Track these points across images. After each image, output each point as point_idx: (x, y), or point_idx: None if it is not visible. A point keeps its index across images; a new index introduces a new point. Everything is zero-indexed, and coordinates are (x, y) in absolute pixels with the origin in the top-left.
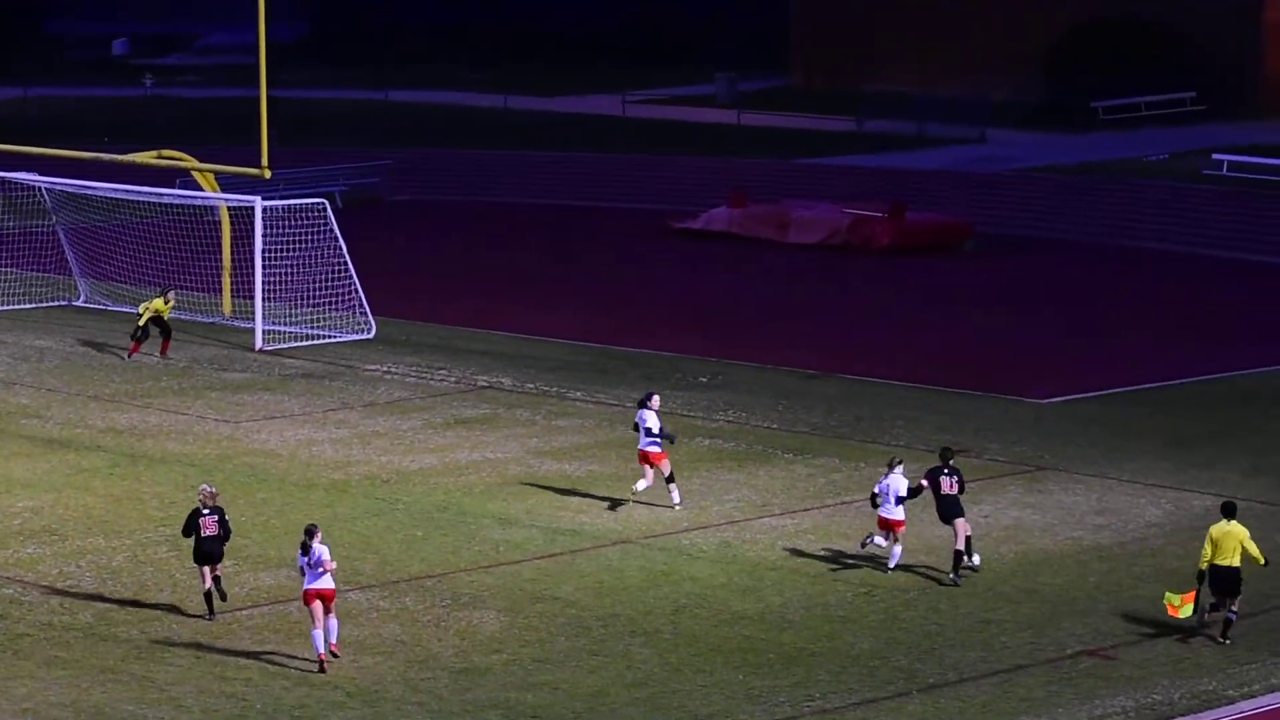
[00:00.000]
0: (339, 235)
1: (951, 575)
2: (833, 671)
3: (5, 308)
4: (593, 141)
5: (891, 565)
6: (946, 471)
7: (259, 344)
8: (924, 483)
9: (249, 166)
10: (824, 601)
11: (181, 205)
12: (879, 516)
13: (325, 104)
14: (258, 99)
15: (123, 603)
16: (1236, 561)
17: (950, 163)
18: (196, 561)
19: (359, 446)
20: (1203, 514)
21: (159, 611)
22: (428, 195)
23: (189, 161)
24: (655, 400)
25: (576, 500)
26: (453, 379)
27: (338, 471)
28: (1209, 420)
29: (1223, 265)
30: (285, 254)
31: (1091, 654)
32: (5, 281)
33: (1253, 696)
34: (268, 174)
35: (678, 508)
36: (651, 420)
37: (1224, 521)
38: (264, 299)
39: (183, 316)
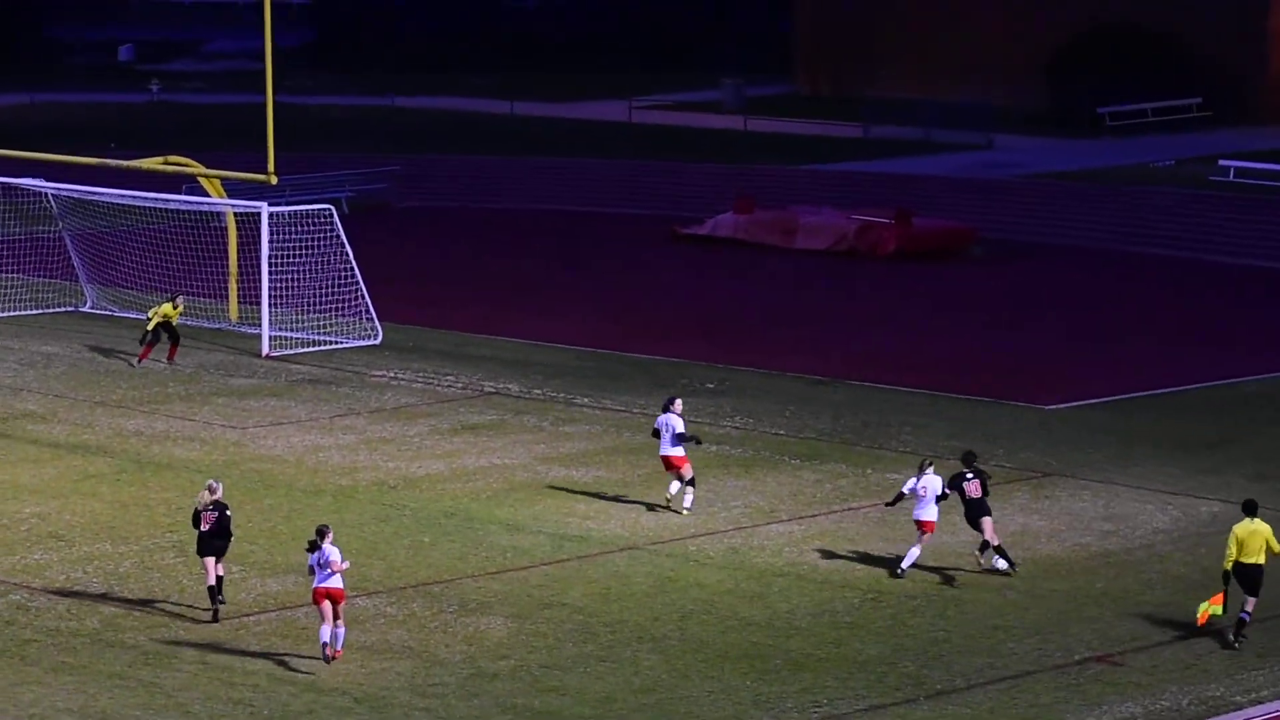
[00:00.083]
0: (345, 241)
1: (1005, 563)
2: (840, 678)
3: (12, 313)
4: (599, 147)
5: (905, 565)
6: (969, 476)
7: (266, 350)
8: (949, 490)
9: (255, 172)
10: (831, 608)
11: (188, 211)
12: (914, 519)
13: (331, 110)
14: (263, 105)
15: (130, 608)
16: (1262, 559)
17: (956, 168)
18: (198, 554)
19: (366, 452)
20: (1209, 520)
21: (166, 617)
22: (434, 201)
23: (195, 167)
24: (678, 404)
25: (584, 506)
26: (460, 385)
27: (345, 477)
28: (1215, 426)
29: (1229, 271)
30: (292, 260)
31: (1099, 660)
32: (12, 287)
33: (1261, 702)
34: (274, 180)
35: (685, 513)
36: (678, 424)
37: (1248, 520)
38: (270, 305)
39: (189, 322)
